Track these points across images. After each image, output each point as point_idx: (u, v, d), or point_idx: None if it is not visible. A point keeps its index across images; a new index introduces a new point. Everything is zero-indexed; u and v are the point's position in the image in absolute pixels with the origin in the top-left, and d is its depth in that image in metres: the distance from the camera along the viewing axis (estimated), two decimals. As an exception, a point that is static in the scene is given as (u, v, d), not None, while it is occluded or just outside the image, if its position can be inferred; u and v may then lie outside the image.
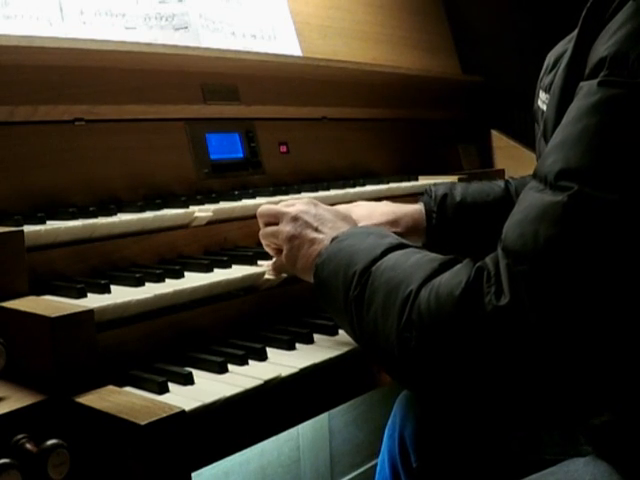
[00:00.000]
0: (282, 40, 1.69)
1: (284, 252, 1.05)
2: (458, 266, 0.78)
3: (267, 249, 1.11)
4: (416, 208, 1.29)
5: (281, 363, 0.93)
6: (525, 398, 0.74)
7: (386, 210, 1.25)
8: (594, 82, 0.72)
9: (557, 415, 0.76)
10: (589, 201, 0.68)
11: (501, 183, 1.35)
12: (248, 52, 1.55)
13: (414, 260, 0.85)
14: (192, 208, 1.20)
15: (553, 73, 0.92)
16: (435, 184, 1.35)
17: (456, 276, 0.76)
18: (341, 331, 1.07)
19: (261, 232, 1.11)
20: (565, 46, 0.93)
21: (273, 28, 1.68)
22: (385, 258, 0.87)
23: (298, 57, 1.69)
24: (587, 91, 0.73)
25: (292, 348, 0.99)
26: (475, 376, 0.74)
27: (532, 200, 0.74)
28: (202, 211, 1.19)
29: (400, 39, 2.06)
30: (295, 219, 1.05)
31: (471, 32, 2.30)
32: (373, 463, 1.90)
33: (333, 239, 0.97)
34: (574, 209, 0.69)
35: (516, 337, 0.70)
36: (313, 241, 1.01)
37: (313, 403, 0.97)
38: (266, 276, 1.10)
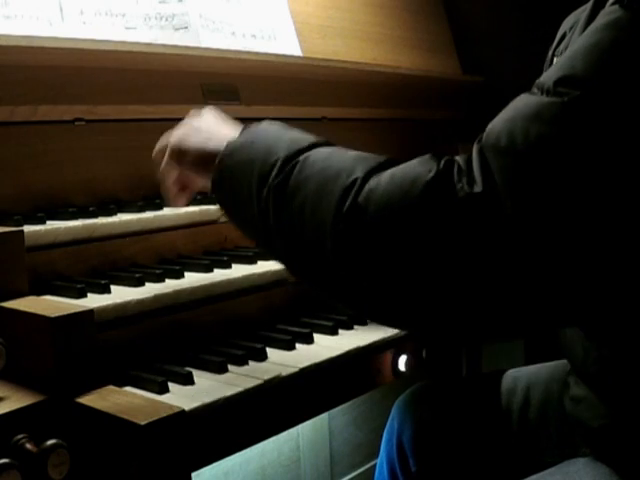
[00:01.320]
0: (282, 40, 1.69)
1: (170, 145, 0.94)
2: (419, 158, 0.72)
3: (168, 183, 0.98)
4: None
5: (281, 363, 0.93)
6: (491, 296, 0.68)
7: None
8: (615, 6, 0.68)
9: (525, 318, 0.71)
10: (591, 107, 0.65)
11: None
12: (248, 52, 1.55)
13: (353, 154, 0.77)
14: (192, 208, 1.20)
15: (568, 38, 0.91)
16: None
17: (421, 164, 0.71)
18: (341, 331, 1.07)
19: (154, 157, 1.00)
20: (579, 15, 0.92)
21: (273, 28, 1.68)
22: (314, 150, 0.78)
23: (298, 57, 1.69)
24: (605, 12, 0.69)
25: (292, 348, 0.99)
26: (438, 270, 0.68)
27: (525, 100, 0.70)
28: (202, 212, 1.19)
29: (400, 39, 2.06)
30: (180, 126, 0.96)
31: (471, 32, 2.30)
32: (373, 463, 1.90)
33: (243, 130, 0.86)
34: (574, 112, 0.65)
35: (488, 227, 0.66)
36: (211, 135, 0.91)
37: (313, 403, 0.97)
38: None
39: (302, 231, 0.74)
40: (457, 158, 0.70)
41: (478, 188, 0.66)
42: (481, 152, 0.69)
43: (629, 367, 0.82)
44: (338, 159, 0.76)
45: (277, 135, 0.83)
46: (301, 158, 0.77)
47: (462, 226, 0.66)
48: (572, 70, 0.67)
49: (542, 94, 0.69)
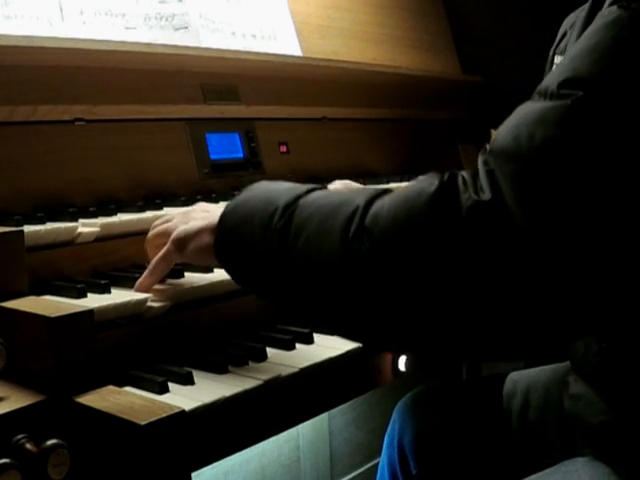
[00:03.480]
0: (282, 40, 1.69)
1: (176, 232, 0.94)
2: (421, 177, 0.72)
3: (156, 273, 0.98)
4: None
5: (281, 363, 0.93)
6: (503, 306, 0.66)
7: None
8: (612, 7, 0.68)
9: (538, 330, 0.69)
10: (596, 107, 0.64)
11: None
12: (248, 52, 1.55)
13: (352, 189, 0.78)
14: (192, 208, 1.20)
15: (568, 36, 0.91)
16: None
17: (423, 181, 0.70)
18: (341, 331, 1.07)
19: (149, 237, 1.01)
20: (579, 14, 0.92)
21: (273, 28, 1.68)
22: (312, 193, 0.79)
23: (298, 57, 1.69)
24: (604, 13, 0.69)
25: (292, 348, 0.99)
26: (445, 282, 0.67)
27: (529, 107, 0.69)
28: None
29: (400, 39, 2.06)
30: (185, 213, 0.98)
31: (471, 32, 2.30)
32: (373, 463, 1.91)
33: (238, 194, 0.87)
34: (579, 113, 0.65)
35: (499, 236, 0.64)
36: (205, 217, 0.92)
37: (313, 403, 0.97)
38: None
39: (310, 268, 0.74)
40: (461, 172, 0.70)
41: (486, 196, 0.66)
42: (487, 161, 0.68)
43: (629, 361, 0.82)
44: (337, 195, 0.77)
45: (273, 188, 0.83)
46: (300, 202, 0.77)
47: (472, 235, 0.65)
48: (574, 72, 0.67)
49: (545, 99, 0.68)
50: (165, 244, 0.97)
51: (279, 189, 0.82)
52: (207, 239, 0.88)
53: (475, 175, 0.68)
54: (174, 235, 0.93)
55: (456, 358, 0.94)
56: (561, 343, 0.77)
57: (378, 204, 0.71)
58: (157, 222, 1.03)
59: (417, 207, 0.68)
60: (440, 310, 0.67)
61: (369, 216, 0.70)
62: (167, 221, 1.01)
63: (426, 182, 0.70)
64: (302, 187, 0.81)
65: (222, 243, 0.85)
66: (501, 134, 0.69)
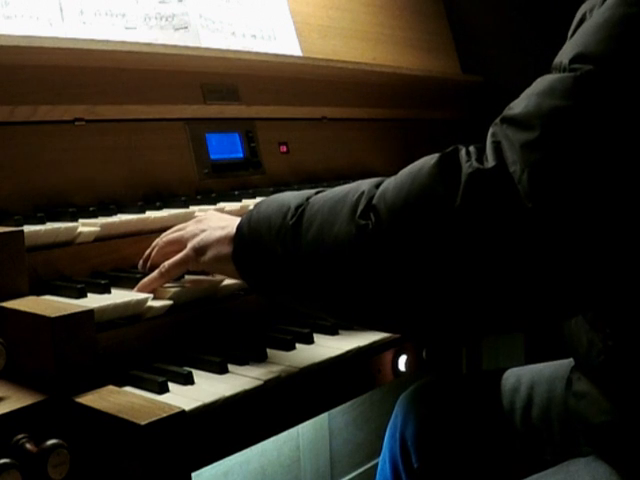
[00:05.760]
0: (282, 40, 1.69)
1: (195, 239, 0.96)
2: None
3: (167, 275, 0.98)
4: None
5: (281, 363, 0.93)
6: (506, 273, 0.68)
7: None
8: None
9: (540, 298, 0.70)
10: (604, 80, 0.66)
11: None
12: (248, 52, 1.55)
13: (359, 181, 0.80)
14: (192, 208, 1.20)
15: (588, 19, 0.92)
16: None
17: (427, 157, 0.73)
18: (341, 331, 1.07)
19: (160, 244, 1.02)
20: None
21: (273, 28, 1.68)
22: (321, 193, 0.83)
23: (298, 57, 1.69)
24: None
25: (292, 348, 0.99)
26: (447, 252, 0.68)
27: (542, 80, 0.71)
28: (202, 211, 1.19)
29: (400, 39, 2.06)
30: (199, 221, 1.00)
31: (471, 32, 2.30)
32: (373, 463, 1.90)
33: (254, 207, 0.90)
34: (586, 84, 0.66)
35: (498, 203, 0.66)
36: (224, 227, 0.95)
37: (313, 403, 0.97)
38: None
39: (322, 253, 0.76)
40: (469, 146, 0.72)
41: (489, 164, 0.67)
42: (495, 133, 0.70)
43: (634, 359, 0.81)
44: (343, 187, 0.80)
45: (285, 195, 0.87)
46: (311, 200, 0.81)
47: (471, 203, 0.67)
48: (585, 47, 0.69)
49: (558, 73, 0.70)
50: (176, 252, 0.99)
51: (290, 195, 0.86)
52: (226, 249, 0.91)
53: (482, 147, 0.70)
54: (194, 242, 0.96)
55: (460, 328, 0.95)
56: (557, 312, 0.77)
57: (385, 184, 0.74)
58: (168, 232, 1.04)
59: (419, 179, 0.71)
60: (445, 281, 0.69)
61: (377, 195, 0.73)
62: (179, 230, 1.02)
63: (429, 157, 0.73)
64: (311, 190, 0.85)
65: (240, 251, 0.88)
66: (512, 106, 0.72)
